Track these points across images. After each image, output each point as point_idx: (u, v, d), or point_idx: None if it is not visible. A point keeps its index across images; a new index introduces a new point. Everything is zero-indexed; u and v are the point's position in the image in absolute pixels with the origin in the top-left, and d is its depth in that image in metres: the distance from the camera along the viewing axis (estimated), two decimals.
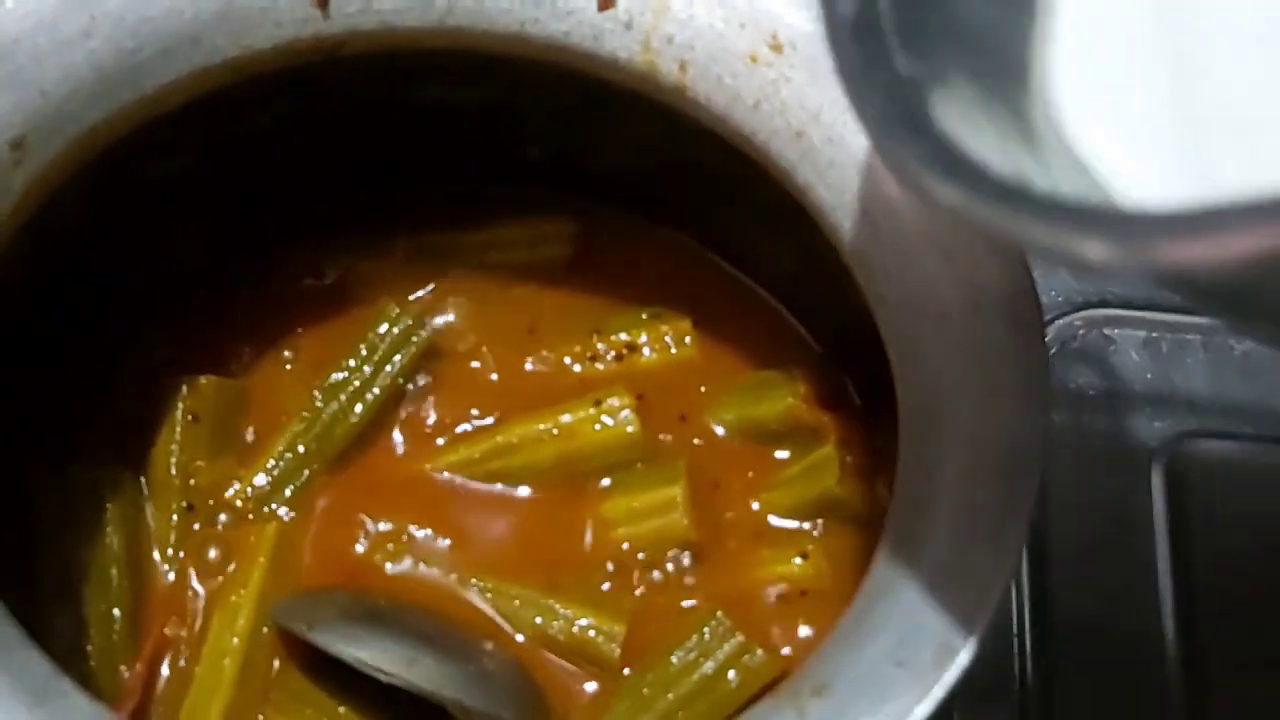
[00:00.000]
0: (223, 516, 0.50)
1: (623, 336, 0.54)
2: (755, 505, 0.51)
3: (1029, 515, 0.35)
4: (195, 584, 0.49)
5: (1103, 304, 0.69)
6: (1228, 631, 0.60)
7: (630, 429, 0.51)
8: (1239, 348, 0.68)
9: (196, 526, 0.50)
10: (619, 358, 0.54)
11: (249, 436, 0.52)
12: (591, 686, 0.48)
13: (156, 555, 0.49)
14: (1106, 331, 0.68)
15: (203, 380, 0.51)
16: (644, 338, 0.54)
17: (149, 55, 0.43)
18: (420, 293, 0.55)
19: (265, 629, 0.47)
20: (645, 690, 0.47)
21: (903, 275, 0.41)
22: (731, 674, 0.47)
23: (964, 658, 0.34)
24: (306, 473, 0.51)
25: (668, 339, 0.54)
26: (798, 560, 0.50)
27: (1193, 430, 0.66)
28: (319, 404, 0.52)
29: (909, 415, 0.40)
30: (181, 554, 0.49)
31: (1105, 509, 0.64)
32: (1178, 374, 0.68)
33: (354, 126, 0.53)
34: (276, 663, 0.48)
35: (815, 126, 0.43)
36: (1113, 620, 0.61)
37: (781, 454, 0.52)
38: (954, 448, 0.37)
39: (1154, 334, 0.69)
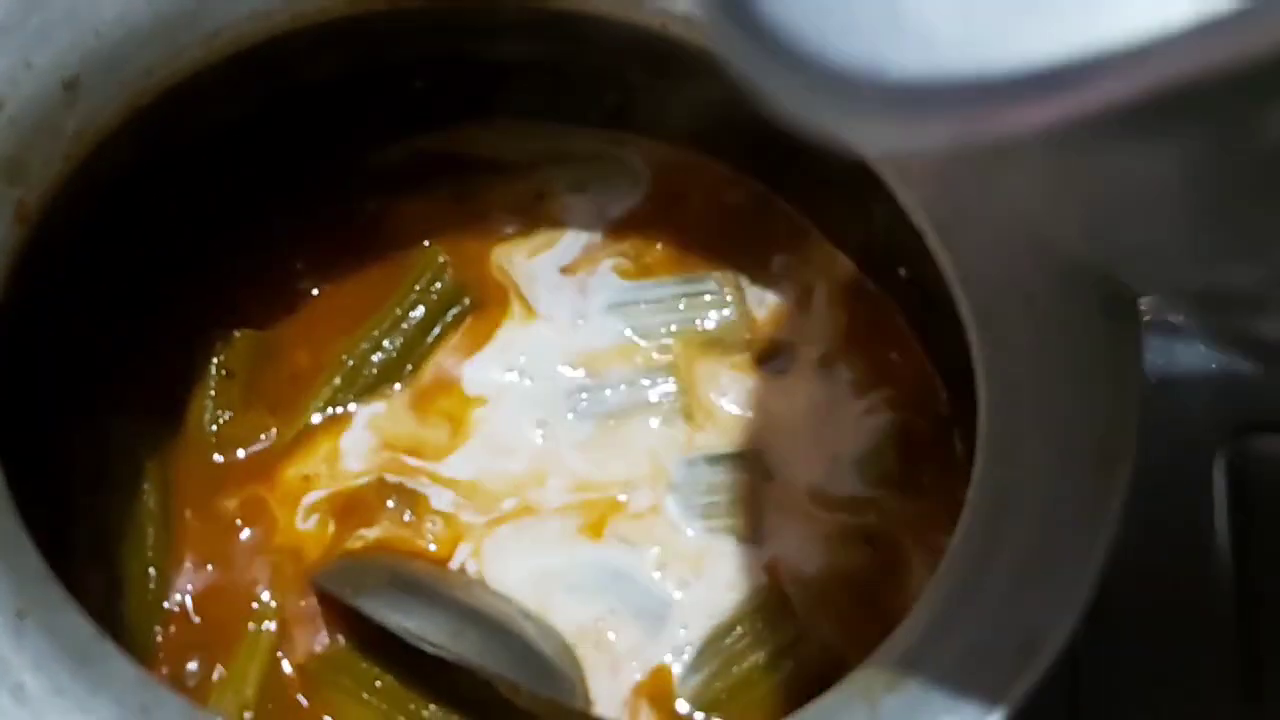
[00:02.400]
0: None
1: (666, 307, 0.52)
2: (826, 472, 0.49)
3: (1121, 509, 0.33)
4: (232, 546, 0.47)
5: None
6: None
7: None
8: None
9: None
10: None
11: (283, 385, 0.50)
12: (635, 668, 0.47)
13: (189, 513, 0.48)
14: (1171, 318, 0.66)
15: (237, 334, 0.50)
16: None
17: None
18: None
19: (309, 595, 0.46)
20: (693, 679, 0.46)
21: (988, 252, 0.39)
22: (784, 664, 0.46)
23: (1047, 657, 0.32)
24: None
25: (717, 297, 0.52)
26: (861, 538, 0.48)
27: (1257, 420, 0.64)
28: (355, 358, 0.50)
29: (991, 396, 0.38)
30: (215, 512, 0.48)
31: (1166, 497, 0.62)
32: (1243, 363, 0.66)
33: (407, 78, 0.52)
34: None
35: None
36: (1172, 609, 0.60)
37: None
38: (1041, 434, 0.36)
39: None
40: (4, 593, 0.33)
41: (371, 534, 0.48)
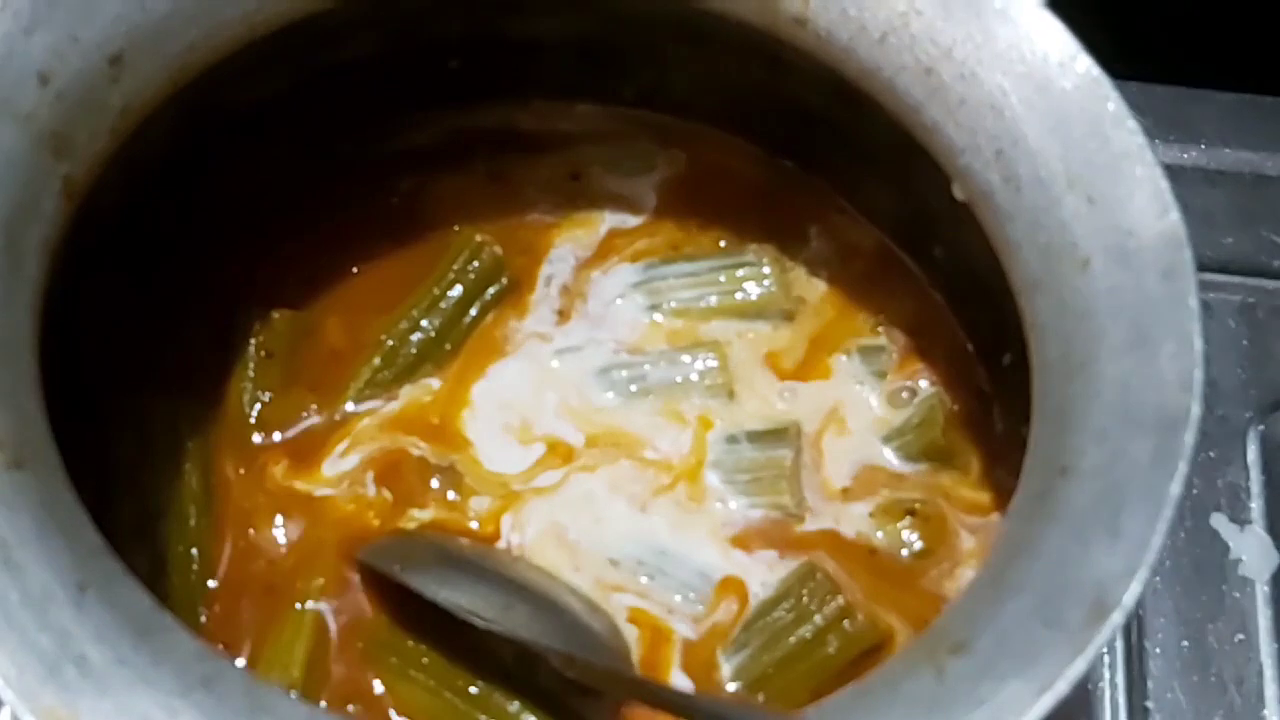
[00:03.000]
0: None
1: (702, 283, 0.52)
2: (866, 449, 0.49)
3: (1186, 470, 0.33)
4: (275, 527, 0.47)
5: (1199, 268, 0.66)
6: None
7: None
8: None
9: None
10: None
11: (322, 365, 0.50)
12: (678, 644, 0.47)
13: (231, 493, 0.48)
14: (1201, 296, 0.66)
15: (275, 315, 0.50)
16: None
17: None
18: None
19: (353, 573, 0.46)
20: (739, 655, 0.46)
21: (1040, 219, 0.39)
22: (830, 638, 0.46)
23: (1118, 617, 0.32)
24: (382, 404, 0.49)
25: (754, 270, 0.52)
26: (904, 512, 0.48)
27: None
28: (394, 337, 0.50)
29: (1045, 365, 0.38)
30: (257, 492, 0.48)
31: (1201, 475, 0.62)
32: (1274, 340, 0.65)
33: (442, 57, 0.52)
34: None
35: (947, 63, 0.41)
36: (1205, 592, 0.59)
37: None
38: (1099, 399, 0.35)
39: (1250, 299, 0.66)
40: (65, 566, 0.33)
41: (416, 515, 0.47)
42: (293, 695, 0.41)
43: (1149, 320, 0.36)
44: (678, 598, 0.47)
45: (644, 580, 0.47)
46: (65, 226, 0.40)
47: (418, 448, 0.49)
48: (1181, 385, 0.35)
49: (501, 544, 0.47)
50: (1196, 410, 0.34)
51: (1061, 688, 0.31)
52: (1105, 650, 0.58)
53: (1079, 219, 0.38)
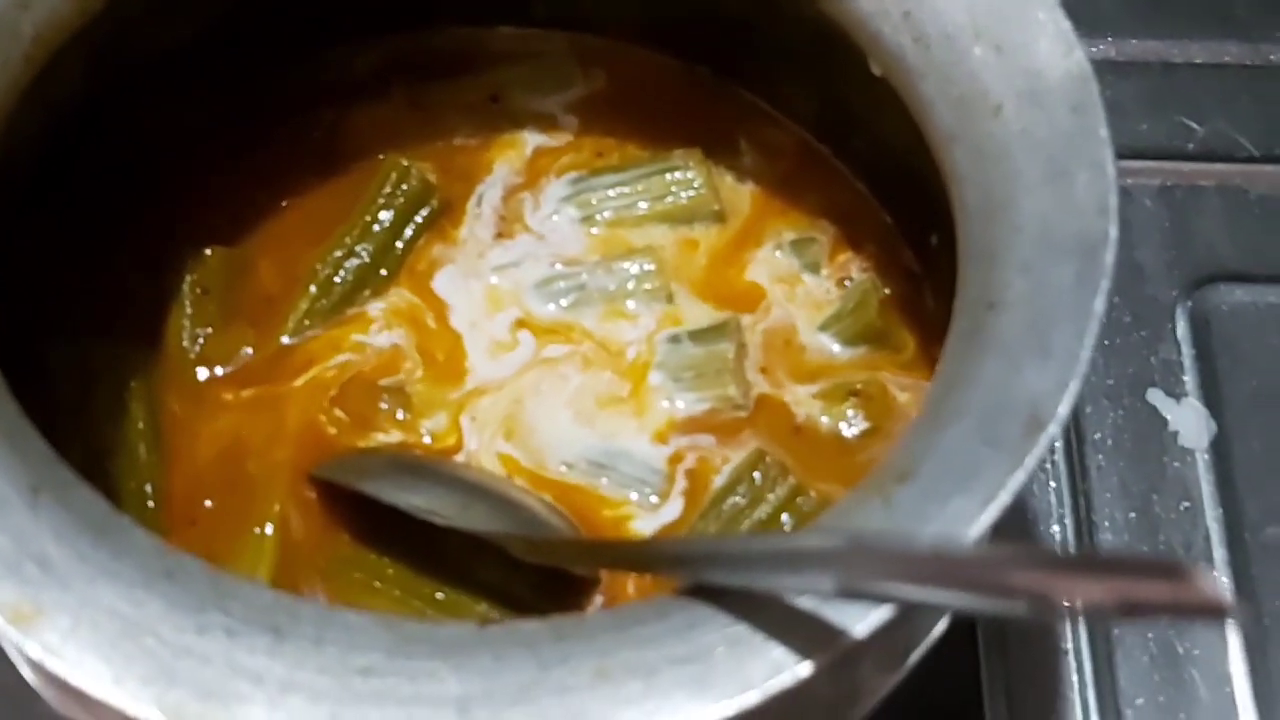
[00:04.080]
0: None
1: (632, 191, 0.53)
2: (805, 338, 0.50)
3: (1107, 287, 0.34)
4: (226, 456, 0.47)
5: (1116, 156, 0.68)
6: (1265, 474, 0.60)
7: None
8: (1253, 192, 0.68)
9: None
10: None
11: (259, 299, 0.50)
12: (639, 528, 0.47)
13: (178, 429, 0.48)
14: (1120, 183, 0.67)
15: (208, 252, 0.50)
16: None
17: None
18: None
19: (307, 494, 0.46)
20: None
21: (950, 73, 0.40)
22: (785, 518, 0.46)
23: (1054, 428, 0.33)
24: (323, 331, 0.49)
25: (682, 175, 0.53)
26: (847, 393, 0.49)
27: (1213, 275, 0.65)
28: (329, 265, 0.50)
29: (968, 212, 0.39)
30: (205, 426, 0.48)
31: (1134, 354, 0.63)
32: (1194, 219, 0.67)
33: None
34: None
35: None
36: (1147, 465, 0.61)
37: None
38: (1021, 234, 0.36)
39: (1168, 183, 0.68)
40: (16, 471, 0.33)
41: (369, 437, 0.48)
42: (258, 580, 0.41)
43: (1062, 154, 0.37)
44: (633, 494, 0.47)
45: (597, 480, 0.47)
46: None
47: (364, 370, 0.49)
48: (1098, 210, 0.36)
49: (456, 457, 0.47)
50: (1114, 231, 0.35)
51: (1004, 498, 0.32)
52: (1056, 526, 0.60)
53: (988, 68, 0.39)
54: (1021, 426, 0.33)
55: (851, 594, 0.27)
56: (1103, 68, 0.70)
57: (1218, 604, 0.21)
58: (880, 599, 0.29)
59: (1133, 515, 0.60)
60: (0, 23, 0.39)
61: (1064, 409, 0.33)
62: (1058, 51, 0.39)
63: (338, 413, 0.48)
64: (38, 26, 0.40)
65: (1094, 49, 0.70)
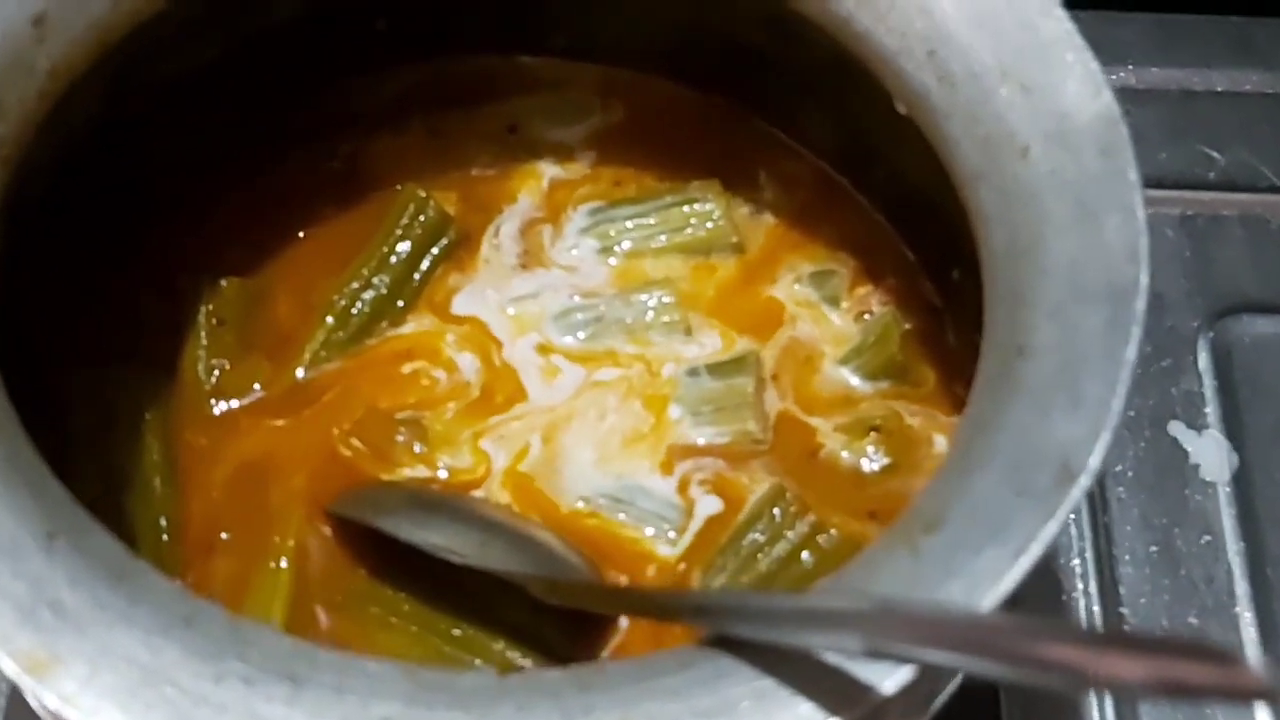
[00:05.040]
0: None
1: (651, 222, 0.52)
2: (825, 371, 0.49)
3: (1139, 335, 0.34)
4: (242, 489, 0.47)
5: None
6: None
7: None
8: (1275, 222, 0.67)
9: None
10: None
11: (275, 330, 0.50)
12: (653, 576, 0.47)
13: (194, 461, 0.47)
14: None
15: (224, 283, 0.49)
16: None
17: None
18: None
19: (324, 528, 0.45)
20: (714, 577, 0.46)
21: (977, 113, 0.40)
22: (805, 555, 0.46)
23: (1085, 480, 0.32)
24: (340, 364, 0.49)
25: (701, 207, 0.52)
26: (867, 429, 0.48)
27: (1236, 303, 0.65)
28: (346, 297, 0.50)
29: (994, 254, 0.38)
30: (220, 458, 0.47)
31: (1155, 385, 0.63)
32: (1215, 249, 0.67)
33: (369, 17, 0.52)
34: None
35: None
36: (1168, 498, 0.60)
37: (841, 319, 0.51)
38: (1050, 277, 0.36)
39: (1189, 211, 0.68)
40: (32, 516, 0.33)
41: (386, 471, 0.47)
42: (275, 627, 0.41)
43: (1091, 197, 0.37)
44: (650, 530, 0.47)
45: (615, 516, 0.47)
46: (1, 196, 0.39)
47: (380, 403, 0.48)
48: (1129, 256, 0.36)
49: (473, 491, 0.47)
50: (1145, 279, 0.35)
51: (1036, 550, 0.32)
52: (1076, 559, 0.59)
53: (1015, 108, 0.39)
54: (1052, 476, 0.32)
55: (879, 656, 0.27)
56: (1123, 95, 0.69)
57: (1266, 690, 0.20)
58: (908, 661, 0.29)
59: (1154, 549, 0.59)
60: (16, 58, 0.39)
61: (1095, 460, 0.32)
62: (1086, 93, 0.38)
63: (355, 442, 0.47)
64: (54, 60, 0.40)
65: (1114, 76, 0.70)
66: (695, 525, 0.47)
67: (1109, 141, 0.37)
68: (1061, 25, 0.39)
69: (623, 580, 0.46)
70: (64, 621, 0.31)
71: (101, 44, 0.42)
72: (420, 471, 0.47)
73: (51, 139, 0.41)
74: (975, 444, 0.34)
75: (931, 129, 0.41)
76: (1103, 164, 0.37)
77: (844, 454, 0.48)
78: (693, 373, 0.50)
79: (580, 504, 0.47)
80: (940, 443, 0.48)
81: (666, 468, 0.48)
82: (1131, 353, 0.33)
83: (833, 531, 0.46)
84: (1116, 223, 0.36)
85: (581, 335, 0.50)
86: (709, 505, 0.48)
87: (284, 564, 0.45)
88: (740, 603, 0.33)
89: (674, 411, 0.49)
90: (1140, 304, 0.34)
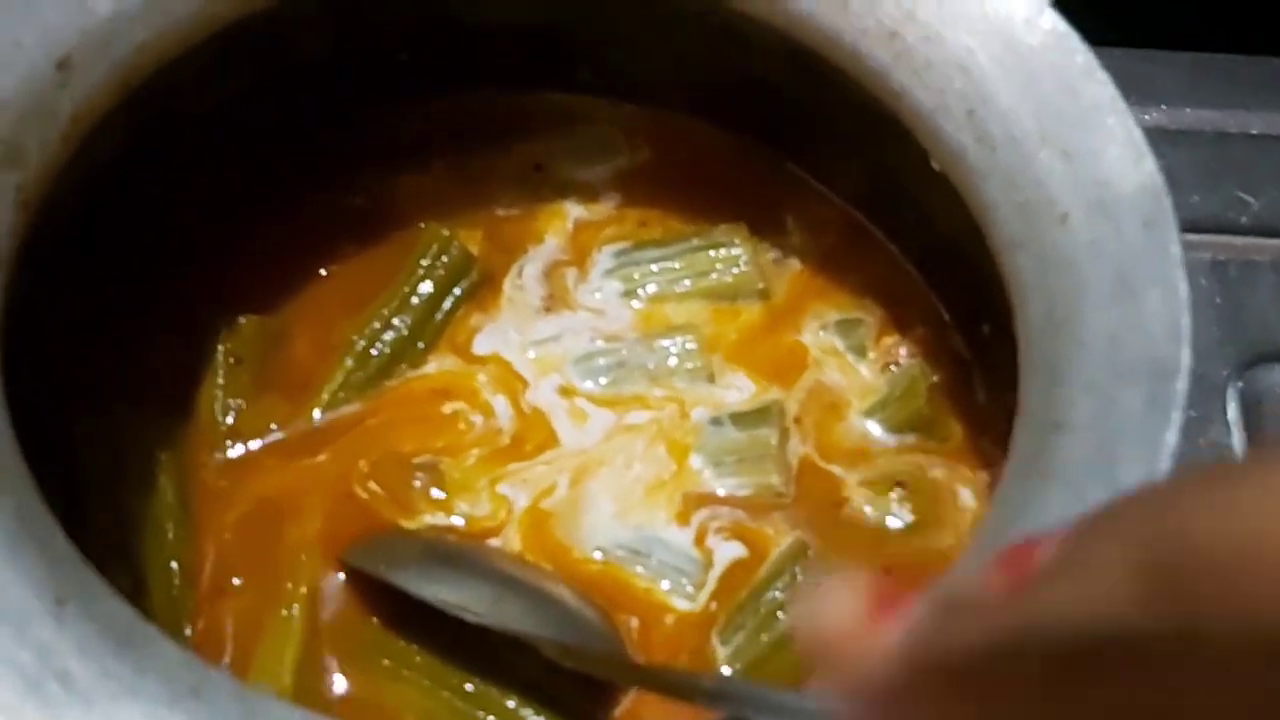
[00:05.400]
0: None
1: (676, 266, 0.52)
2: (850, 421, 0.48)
3: (1180, 419, 0.33)
4: (256, 534, 0.46)
5: None
6: None
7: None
8: None
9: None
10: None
11: (293, 370, 0.49)
12: (671, 629, 0.46)
13: (208, 504, 0.46)
14: None
15: (242, 321, 0.49)
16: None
17: None
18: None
19: (337, 576, 0.45)
20: (733, 635, 0.45)
21: (1015, 177, 0.39)
22: None
23: None
24: (359, 405, 0.48)
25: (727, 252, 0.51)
26: (892, 483, 0.47)
27: (1266, 352, 0.64)
28: (366, 338, 0.49)
29: (1030, 323, 0.37)
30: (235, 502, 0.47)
31: (1184, 435, 0.61)
32: (1248, 296, 0.65)
33: (393, 50, 0.51)
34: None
35: (911, 25, 0.41)
36: None
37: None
38: (1088, 351, 0.35)
39: (1221, 257, 0.66)
40: (41, 581, 0.32)
41: (402, 515, 0.47)
42: (284, 700, 0.40)
43: (1132, 270, 0.36)
44: (667, 583, 0.46)
45: (632, 568, 0.46)
46: (21, 238, 0.39)
47: (398, 446, 0.48)
48: (1169, 334, 0.35)
49: (489, 540, 0.46)
50: (1186, 358, 0.34)
51: None
52: None
53: (1055, 174, 0.38)
54: None
55: None
56: (1155, 136, 0.68)
57: None
58: None
59: None
60: (39, 102, 0.38)
61: None
62: (1128, 160, 0.37)
63: (373, 486, 0.47)
64: (77, 103, 0.39)
65: (1146, 117, 0.69)
66: (715, 574, 0.46)
67: (1152, 214, 0.36)
68: (1104, 89, 0.38)
69: (635, 624, 0.45)
70: (71, 694, 0.30)
71: (124, 85, 0.41)
72: (438, 518, 0.47)
73: (72, 180, 0.41)
74: (1007, 520, 0.34)
75: (968, 190, 0.40)
76: (1145, 237, 0.36)
77: (868, 508, 0.47)
78: (715, 422, 0.49)
79: (598, 553, 0.46)
80: (966, 497, 0.47)
81: (683, 518, 0.47)
82: (1172, 437, 0.32)
83: None
84: (1158, 298, 0.35)
85: (603, 380, 0.49)
86: (729, 551, 0.47)
87: (296, 611, 0.44)
88: (757, 694, 0.32)
89: (695, 460, 0.48)
90: (1182, 385, 0.34)
